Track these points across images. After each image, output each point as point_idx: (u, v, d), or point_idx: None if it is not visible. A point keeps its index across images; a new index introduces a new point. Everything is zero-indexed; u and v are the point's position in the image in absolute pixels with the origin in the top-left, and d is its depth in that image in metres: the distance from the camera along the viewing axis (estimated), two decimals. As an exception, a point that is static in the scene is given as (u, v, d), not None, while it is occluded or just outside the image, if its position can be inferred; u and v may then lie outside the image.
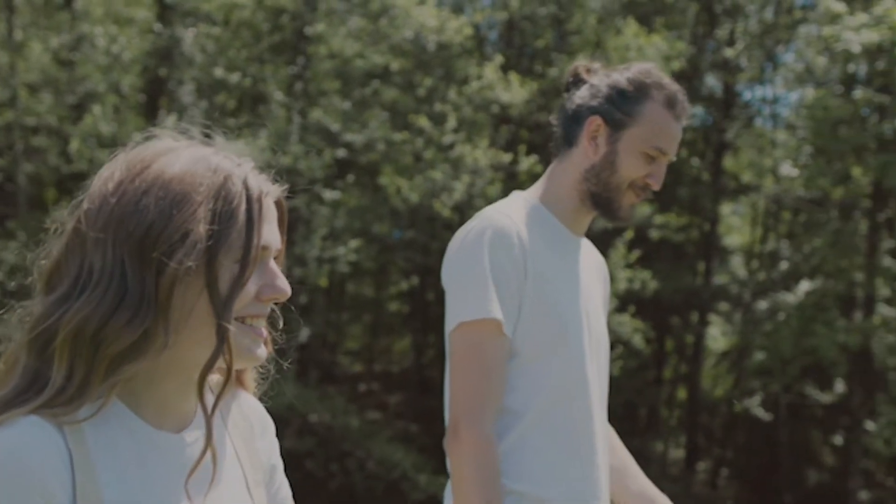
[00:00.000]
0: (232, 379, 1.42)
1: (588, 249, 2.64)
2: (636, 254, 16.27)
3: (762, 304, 18.95)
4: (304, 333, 16.61)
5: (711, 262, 22.70)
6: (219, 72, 16.99)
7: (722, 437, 23.95)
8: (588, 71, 2.60)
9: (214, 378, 1.49)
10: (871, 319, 18.77)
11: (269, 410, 1.61)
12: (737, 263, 24.77)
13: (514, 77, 16.34)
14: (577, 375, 2.45)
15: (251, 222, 1.38)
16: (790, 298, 18.37)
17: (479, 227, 2.43)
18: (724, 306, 22.52)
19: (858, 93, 17.08)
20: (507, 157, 15.92)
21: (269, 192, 1.43)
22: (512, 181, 16.49)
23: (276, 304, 1.47)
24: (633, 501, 2.77)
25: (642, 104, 2.50)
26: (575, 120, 2.55)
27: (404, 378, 25.26)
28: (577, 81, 2.60)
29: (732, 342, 22.31)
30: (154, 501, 1.36)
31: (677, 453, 24.27)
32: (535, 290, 2.40)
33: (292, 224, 15.80)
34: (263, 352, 1.44)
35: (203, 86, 17.37)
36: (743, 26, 21.32)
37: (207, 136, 1.47)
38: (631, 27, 17.79)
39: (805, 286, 18.67)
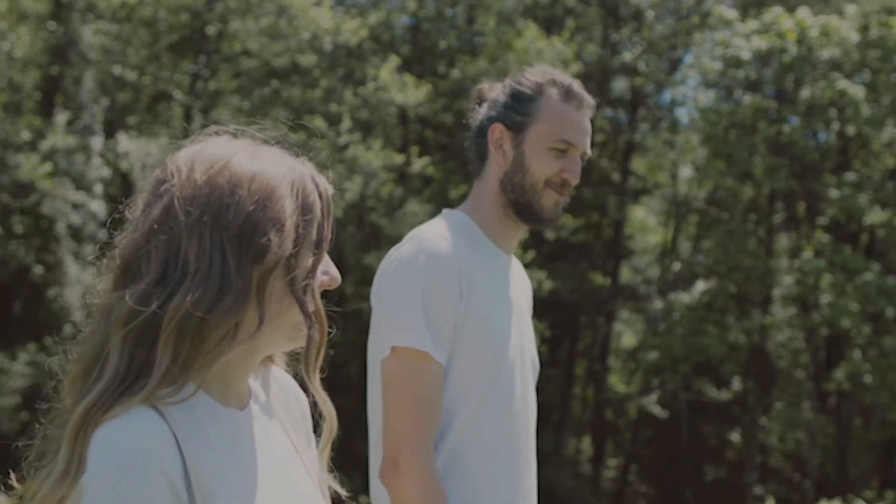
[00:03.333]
0: (322, 354, 1.50)
1: (516, 266, 2.62)
2: (531, 254, 16.52)
3: (658, 304, 19.29)
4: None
5: (619, 262, 23.07)
6: (118, 69, 16.90)
7: (631, 434, 24.34)
8: (490, 89, 2.59)
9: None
10: (764, 319, 19.21)
11: None
12: (648, 263, 25.18)
13: (409, 79, 16.47)
14: (506, 392, 2.43)
15: (324, 216, 1.48)
16: (685, 298, 18.72)
17: (413, 249, 2.38)
18: (633, 305, 22.90)
19: (748, 98, 17.46)
20: (400, 159, 16.04)
21: (329, 189, 1.52)
22: (404, 182, 16.63)
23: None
24: None
25: (538, 101, 2.48)
26: (480, 134, 2.55)
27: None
28: (481, 101, 2.59)
29: (638, 341, 22.70)
30: (242, 476, 1.43)
31: (589, 450, 24.63)
32: (470, 313, 2.37)
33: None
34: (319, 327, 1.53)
35: (102, 84, 17.28)
36: (647, 31, 21.68)
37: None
38: (530, 30, 18.00)
39: (700, 286, 19.04)
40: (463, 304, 2.36)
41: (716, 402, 22.68)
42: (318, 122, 15.89)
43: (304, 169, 1.48)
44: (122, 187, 18.78)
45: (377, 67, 17.38)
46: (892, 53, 16.52)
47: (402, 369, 2.32)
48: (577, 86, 2.52)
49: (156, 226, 1.40)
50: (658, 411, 21.87)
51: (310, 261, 1.45)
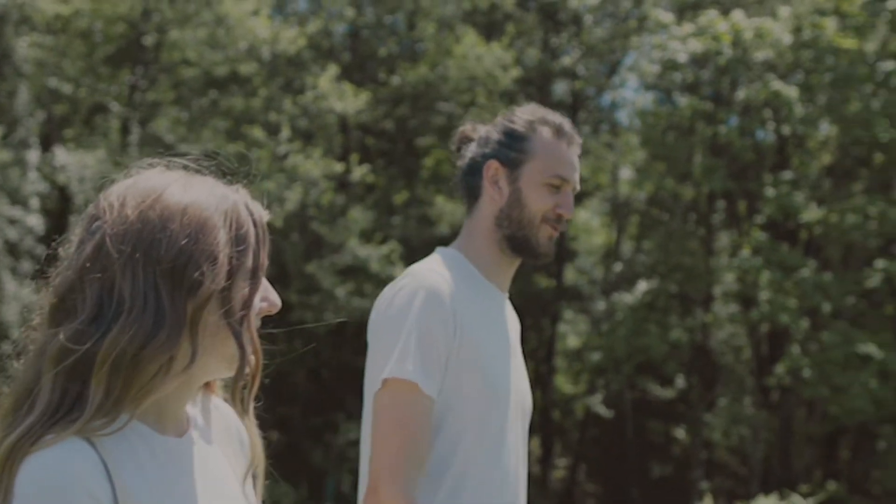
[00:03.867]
0: (257, 384, 1.51)
1: (509, 305, 2.66)
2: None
3: (601, 305, 19.46)
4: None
5: (563, 263, 23.23)
6: (53, 82, 16.70)
7: (579, 435, 24.52)
8: (473, 130, 2.65)
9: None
10: (706, 317, 19.45)
11: None
12: (593, 264, 25.36)
13: (347, 87, 16.46)
14: (500, 427, 2.47)
15: (258, 244, 1.47)
16: (627, 299, 18.90)
17: (410, 286, 2.42)
18: (577, 306, 23.07)
19: (681, 101, 17.68)
20: (339, 167, 16.02)
21: (264, 215, 1.52)
22: (346, 190, 16.60)
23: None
24: None
25: (532, 139, 2.55)
26: (472, 172, 2.59)
27: (264, 386, 25.13)
28: (465, 141, 2.66)
29: (582, 341, 22.87)
30: (179, 502, 1.43)
31: (538, 451, 24.77)
32: (464, 350, 2.41)
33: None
34: (253, 359, 1.53)
35: (37, 97, 17.06)
36: (586, 35, 21.87)
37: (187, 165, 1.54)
38: (469, 36, 18.07)
39: (642, 286, 19.23)
40: (457, 341, 2.40)
41: (660, 400, 22.92)
42: (258, 132, 15.82)
43: (237, 197, 1.48)
44: (59, 201, 18.55)
45: (317, 76, 17.34)
46: (824, 54, 16.82)
47: (390, 400, 2.36)
48: (567, 124, 2.60)
49: (89, 264, 1.40)
50: (603, 411, 22.06)
51: (246, 290, 1.45)
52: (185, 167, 1.52)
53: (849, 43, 16.50)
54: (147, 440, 1.44)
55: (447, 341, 2.39)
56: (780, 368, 17.74)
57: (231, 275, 1.43)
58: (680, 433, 22.65)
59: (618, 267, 20.32)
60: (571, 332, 23.93)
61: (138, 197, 1.43)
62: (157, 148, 16.69)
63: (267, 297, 1.51)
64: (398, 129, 20.09)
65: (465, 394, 2.41)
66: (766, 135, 19.26)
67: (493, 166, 2.55)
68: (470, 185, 2.59)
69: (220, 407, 1.65)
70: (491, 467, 2.45)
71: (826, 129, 17.98)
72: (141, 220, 1.41)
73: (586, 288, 23.12)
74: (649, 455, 23.28)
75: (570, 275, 24.19)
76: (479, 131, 2.63)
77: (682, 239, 19.75)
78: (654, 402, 23.08)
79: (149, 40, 17.36)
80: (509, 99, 19.41)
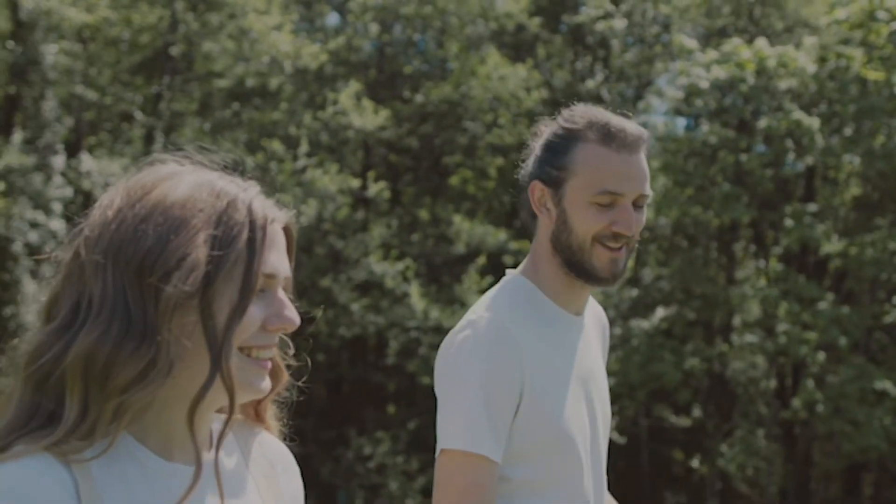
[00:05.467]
0: (235, 410, 1.36)
1: (589, 318, 2.41)
2: (489, 280, 16.59)
3: (617, 330, 19.33)
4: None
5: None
6: (79, 89, 16.96)
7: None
8: (534, 135, 2.34)
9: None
10: (722, 346, 19.26)
11: None
12: (616, 289, 25.22)
13: (367, 103, 16.57)
14: (577, 480, 2.28)
15: (253, 249, 1.34)
16: (644, 325, 18.77)
17: (472, 338, 2.19)
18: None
19: (705, 127, 17.58)
20: (355, 182, 16.13)
21: (276, 217, 1.39)
22: (366, 206, 16.68)
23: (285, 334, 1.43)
24: None
25: (572, 152, 2.23)
26: (524, 191, 2.34)
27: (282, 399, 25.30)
28: (526, 148, 2.36)
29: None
30: None
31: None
32: (532, 401, 2.21)
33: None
34: (267, 384, 1.41)
35: (66, 103, 17.34)
36: (615, 59, 21.83)
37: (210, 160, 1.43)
38: (493, 56, 18.12)
39: (660, 313, 19.09)
40: (525, 395, 2.21)
41: (676, 429, 22.71)
42: (277, 145, 15.97)
43: (243, 196, 1.36)
44: (83, 207, 18.83)
45: (340, 92, 17.49)
46: (848, 85, 16.65)
47: (452, 469, 2.18)
48: (616, 123, 2.23)
49: (67, 269, 1.35)
50: (617, 437, 21.89)
51: (234, 299, 1.33)
52: (200, 162, 1.42)
53: (875, 74, 16.32)
54: (143, 464, 1.36)
55: (512, 399, 2.19)
56: (796, 402, 17.51)
57: (209, 280, 1.31)
58: (695, 462, 22.43)
59: (633, 293, 20.16)
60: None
61: (126, 196, 1.35)
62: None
63: (280, 314, 1.38)
64: (423, 146, 20.16)
65: (537, 445, 2.23)
66: (793, 165, 19.08)
67: (537, 188, 2.29)
68: (526, 206, 2.34)
69: (266, 445, 1.54)
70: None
71: (855, 160, 17.76)
72: (117, 221, 1.33)
73: (609, 313, 22.99)
74: (664, 483, 23.06)
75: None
76: (536, 136, 2.32)
77: (702, 266, 19.59)
78: (671, 429, 22.87)
79: (176, 51, 17.59)
80: (531, 120, 19.41)
